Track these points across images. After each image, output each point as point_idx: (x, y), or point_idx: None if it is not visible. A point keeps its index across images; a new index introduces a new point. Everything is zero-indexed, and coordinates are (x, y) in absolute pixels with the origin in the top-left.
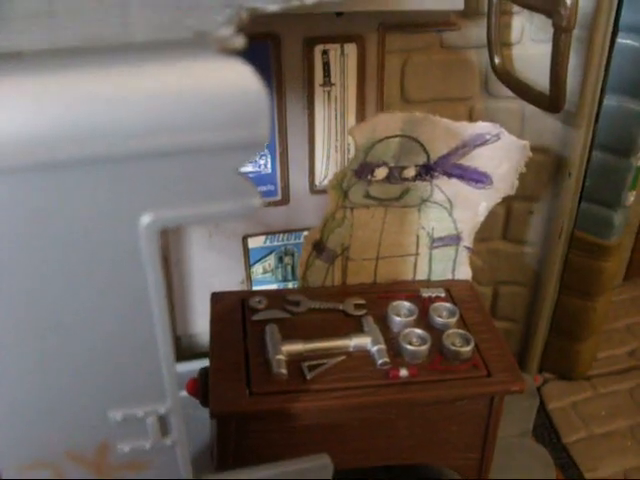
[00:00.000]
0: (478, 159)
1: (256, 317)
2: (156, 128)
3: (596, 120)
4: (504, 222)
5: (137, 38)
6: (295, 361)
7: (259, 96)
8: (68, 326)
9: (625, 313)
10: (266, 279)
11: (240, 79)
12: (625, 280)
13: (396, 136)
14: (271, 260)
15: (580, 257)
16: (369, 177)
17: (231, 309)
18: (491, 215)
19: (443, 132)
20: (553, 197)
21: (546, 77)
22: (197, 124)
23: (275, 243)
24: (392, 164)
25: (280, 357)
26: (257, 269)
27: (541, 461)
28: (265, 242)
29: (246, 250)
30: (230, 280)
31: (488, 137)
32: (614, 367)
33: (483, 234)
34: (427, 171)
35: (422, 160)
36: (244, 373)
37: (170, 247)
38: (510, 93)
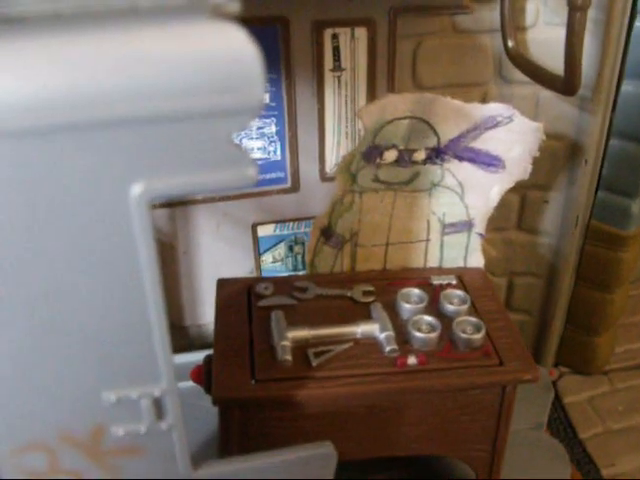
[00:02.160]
0: (490, 142)
1: (262, 303)
2: (147, 93)
3: (614, 106)
4: (519, 211)
5: (139, 4)
6: (301, 348)
7: (253, 60)
8: (57, 302)
9: None
10: (276, 268)
11: (234, 43)
12: None
13: (405, 117)
14: (281, 249)
15: (597, 248)
16: (378, 160)
17: (237, 295)
18: (505, 204)
19: (454, 113)
20: (569, 186)
21: (561, 61)
22: (189, 89)
23: (285, 232)
24: (401, 146)
25: (285, 343)
26: (267, 258)
27: (556, 455)
28: (275, 230)
29: (255, 238)
30: (239, 269)
31: (500, 119)
32: (632, 362)
33: (497, 224)
34: (437, 154)
35: (432, 143)
36: (248, 359)
37: (178, 235)
38: (524, 78)
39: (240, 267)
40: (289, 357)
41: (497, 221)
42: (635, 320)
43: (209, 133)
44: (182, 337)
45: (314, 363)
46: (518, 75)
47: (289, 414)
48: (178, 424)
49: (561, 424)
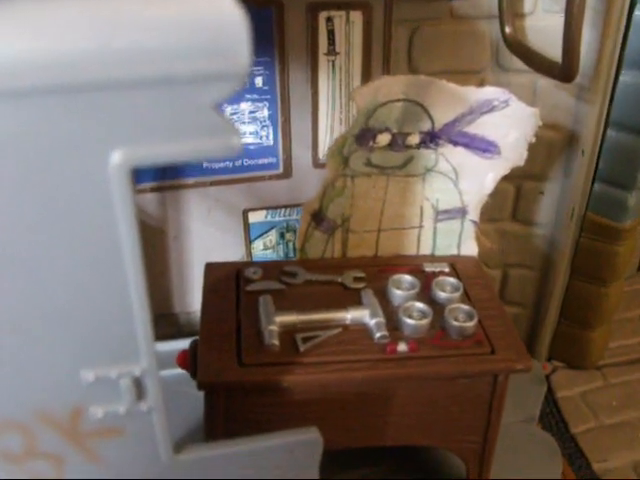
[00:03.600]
0: (485, 127)
1: (250, 287)
2: (127, 56)
3: (611, 97)
4: (513, 202)
5: None
6: (289, 333)
7: (238, 24)
8: (33, 276)
9: (639, 303)
10: (267, 256)
11: (218, 6)
12: (639, 270)
13: (399, 100)
14: (272, 236)
15: (592, 240)
16: (371, 144)
17: (225, 279)
18: (500, 195)
19: (449, 97)
20: (565, 177)
21: (560, 50)
22: (171, 52)
23: (277, 218)
24: (395, 130)
25: (273, 328)
26: (258, 245)
27: (547, 448)
28: (266, 217)
29: (246, 225)
30: (230, 257)
31: (496, 103)
32: (626, 357)
33: (492, 214)
34: (432, 138)
35: (426, 127)
36: (234, 344)
37: (168, 220)
38: (522, 66)
39: (231, 254)
40: (276, 342)
41: (491, 212)
42: (629, 316)
43: (192, 100)
44: (171, 325)
45: (302, 348)
46: (515, 63)
47: (275, 400)
48: (159, 405)
49: (553, 418)
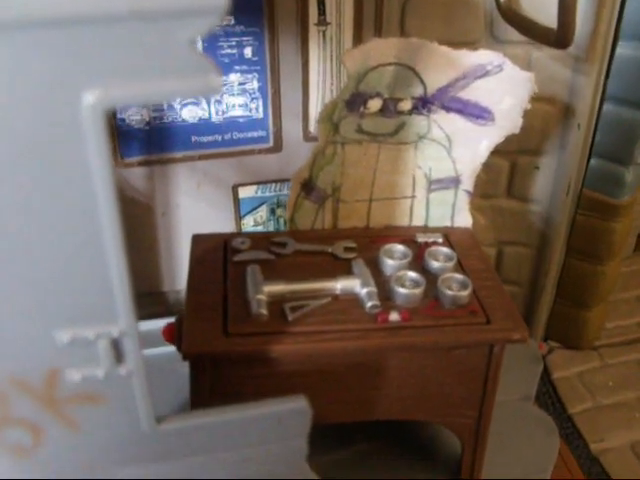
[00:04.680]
0: (479, 92)
1: (238, 258)
2: None
3: (608, 69)
4: (508, 178)
5: None
6: (277, 302)
7: None
8: (1, 229)
9: (635, 284)
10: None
11: None
12: (636, 250)
13: (391, 64)
14: (263, 212)
15: (589, 217)
16: (362, 109)
17: (212, 250)
18: (494, 170)
19: (441, 61)
20: (560, 151)
21: (555, 19)
22: None
23: (267, 194)
24: (386, 95)
25: (261, 297)
26: (248, 221)
27: (544, 427)
28: (256, 192)
29: (236, 200)
30: None
31: (490, 67)
32: (623, 337)
33: (486, 190)
34: (424, 104)
35: (419, 92)
36: (221, 314)
37: (156, 196)
38: (517, 37)
39: (221, 230)
40: (264, 311)
41: (486, 188)
42: (626, 297)
43: (168, 36)
44: (160, 303)
45: (290, 317)
46: (510, 34)
47: (263, 371)
48: (139, 370)
49: (550, 399)
